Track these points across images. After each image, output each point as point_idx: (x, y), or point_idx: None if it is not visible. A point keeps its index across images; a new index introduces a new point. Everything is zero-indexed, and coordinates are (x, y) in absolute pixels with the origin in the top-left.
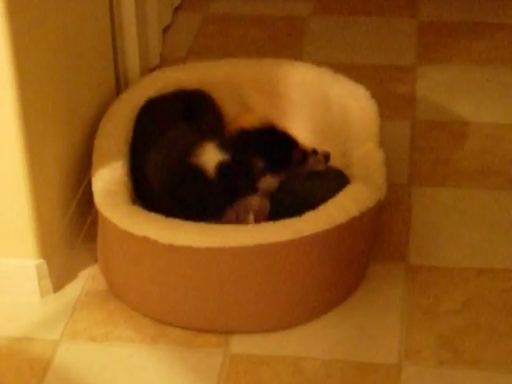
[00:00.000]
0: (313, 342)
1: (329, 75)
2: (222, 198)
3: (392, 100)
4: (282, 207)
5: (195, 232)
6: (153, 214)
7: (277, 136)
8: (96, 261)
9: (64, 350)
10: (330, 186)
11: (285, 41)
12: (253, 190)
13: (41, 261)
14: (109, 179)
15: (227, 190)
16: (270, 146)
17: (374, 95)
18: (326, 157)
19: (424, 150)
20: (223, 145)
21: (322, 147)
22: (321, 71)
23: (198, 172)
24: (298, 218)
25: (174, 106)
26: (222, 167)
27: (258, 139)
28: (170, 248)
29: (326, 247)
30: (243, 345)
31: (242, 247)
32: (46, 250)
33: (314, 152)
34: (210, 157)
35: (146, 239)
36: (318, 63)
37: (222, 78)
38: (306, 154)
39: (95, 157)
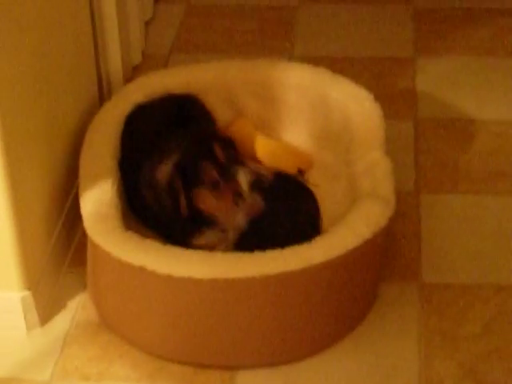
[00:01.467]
0: (325, 376)
1: (327, 76)
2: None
3: (392, 97)
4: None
5: (196, 262)
6: (149, 242)
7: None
8: (85, 287)
9: None
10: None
11: (274, 32)
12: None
13: (26, 293)
14: (99, 201)
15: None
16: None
17: (372, 91)
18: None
19: (429, 152)
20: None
21: (321, 155)
22: (319, 72)
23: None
24: (308, 244)
25: (164, 112)
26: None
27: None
28: (169, 279)
29: (338, 274)
30: (250, 381)
31: (247, 278)
32: (31, 279)
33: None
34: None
35: (142, 269)
36: (310, 56)
37: (211, 81)
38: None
39: (82, 176)
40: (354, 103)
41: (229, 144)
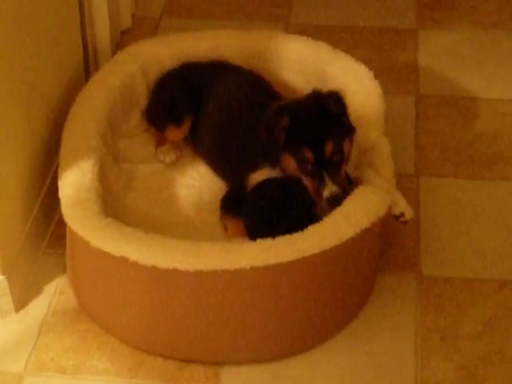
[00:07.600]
0: (314, 375)
1: (326, 51)
2: None
3: (392, 70)
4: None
5: (181, 252)
6: (131, 230)
7: None
8: (64, 271)
9: None
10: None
11: None
12: None
13: (0, 277)
14: (78, 185)
15: None
16: None
17: (372, 64)
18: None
19: (431, 131)
20: None
21: None
22: (317, 46)
23: None
24: (301, 233)
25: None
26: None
27: None
28: (153, 270)
29: (333, 265)
30: (236, 378)
31: (235, 270)
32: (5, 263)
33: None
34: None
35: (124, 260)
36: (307, 24)
37: (206, 51)
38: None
39: (62, 154)
40: (353, 81)
41: None
